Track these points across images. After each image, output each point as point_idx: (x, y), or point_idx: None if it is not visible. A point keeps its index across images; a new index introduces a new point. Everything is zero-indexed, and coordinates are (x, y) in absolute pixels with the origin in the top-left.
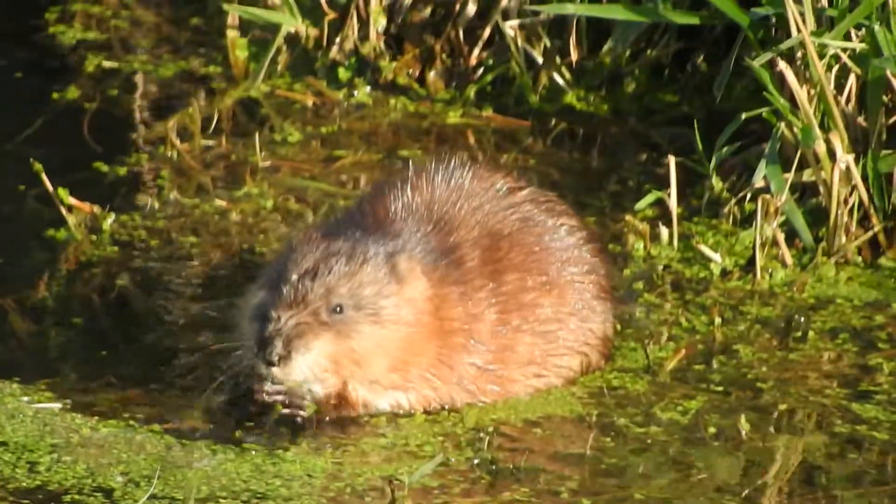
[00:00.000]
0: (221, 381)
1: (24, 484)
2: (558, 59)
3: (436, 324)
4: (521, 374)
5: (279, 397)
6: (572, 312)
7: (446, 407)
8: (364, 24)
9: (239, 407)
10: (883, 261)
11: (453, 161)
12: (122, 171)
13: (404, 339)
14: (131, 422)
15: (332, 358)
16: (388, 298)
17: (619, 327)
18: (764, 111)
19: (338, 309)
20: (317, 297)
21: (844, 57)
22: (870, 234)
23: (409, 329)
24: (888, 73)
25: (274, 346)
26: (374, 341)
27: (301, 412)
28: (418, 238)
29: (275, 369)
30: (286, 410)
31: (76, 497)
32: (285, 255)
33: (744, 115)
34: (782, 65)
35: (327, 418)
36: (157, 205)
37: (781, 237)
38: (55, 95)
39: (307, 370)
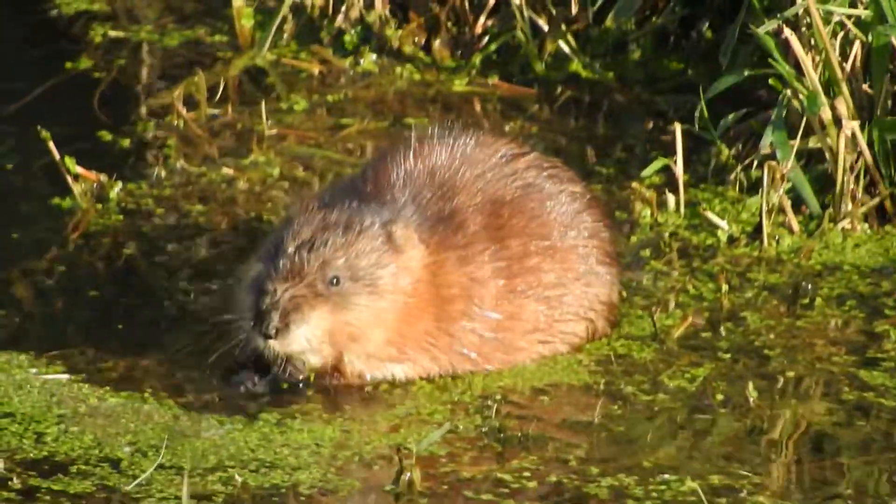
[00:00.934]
0: (220, 353)
1: (32, 455)
2: (564, 27)
3: (433, 291)
4: (525, 340)
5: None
6: (577, 278)
7: (447, 375)
8: None
9: (239, 375)
10: (889, 227)
11: (456, 128)
12: (129, 140)
13: (402, 309)
14: (139, 392)
15: (328, 330)
16: (386, 268)
17: (625, 294)
18: (768, 74)
19: (334, 280)
20: (313, 268)
21: (849, 24)
22: (876, 200)
23: (407, 298)
24: (893, 39)
25: (271, 319)
26: (372, 313)
27: (298, 377)
28: (415, 205)
29: (272, 342)
30: (282, 374)
31: (83, 467)
32: (283, 226)
33: (746, 73)
34: (787, 32)
35: (323, 387)
36: (163, 173)
37: (788, 204)
38: (68, 65)
39: (304, 342)
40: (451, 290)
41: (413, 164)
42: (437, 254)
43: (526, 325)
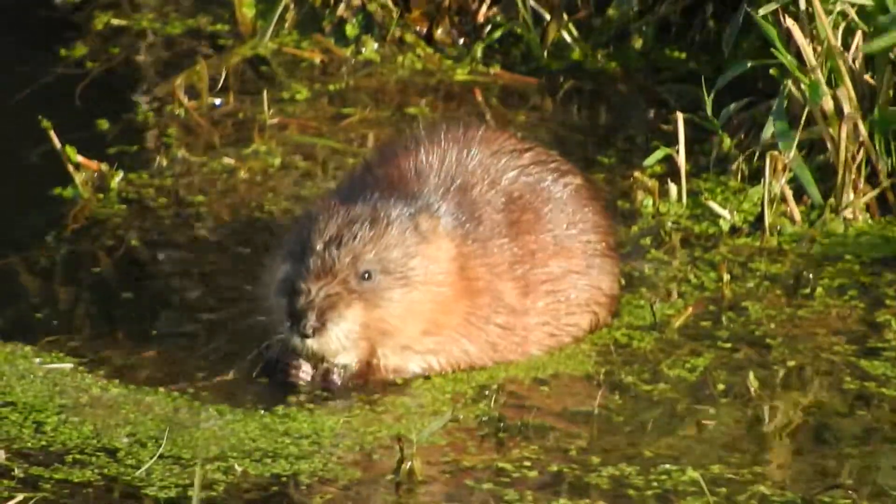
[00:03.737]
0: (260, 354)
1: (30, 444)
2: (566, 16)
3: (463, 283)
4: (538, 333)
5: (310, 376)
6: (582, 272)
7: (474, 366)
8: None
9: (270, 380)
10: (891, 217)
11: (461, 122)
12: (130, 129)
13: (435, 300)
14: (141, 382)
15: (364, 326)
16: (415, 259)
17: (623, 282)
18: (771, 64)
19: (366, 275)
20: (344, 265)
21: (852, 13)
22: (877, 190)
23: (439, 289)
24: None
25: (307, 319)
26: (406, 305)
27: (336, 384)
28: (438, 198)
29: (309, 341)
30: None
31: (78, 457)
32: (305, 225)
33: (749, 64)
34: (789, 21)
35: (352, 385)
36: (164, 163)
37: (790, 194)
38: (63, 53)
39: (343, 339)
40: (478, 283)
41: (425, 159)
42: (463, 246)
43: (539, 318)
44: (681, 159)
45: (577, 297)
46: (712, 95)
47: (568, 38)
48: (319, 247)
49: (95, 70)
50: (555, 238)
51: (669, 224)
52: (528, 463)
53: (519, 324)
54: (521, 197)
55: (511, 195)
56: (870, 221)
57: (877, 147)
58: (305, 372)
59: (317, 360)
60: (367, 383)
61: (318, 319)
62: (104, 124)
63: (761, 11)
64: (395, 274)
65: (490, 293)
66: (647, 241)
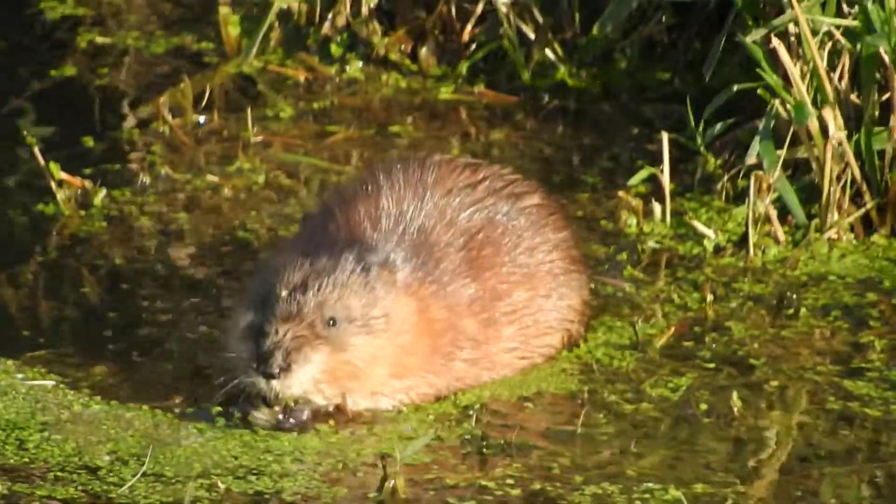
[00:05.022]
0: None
1: (11, 461)
2: (550, 36)
3: (424, 326)
4: (507, 359)
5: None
6: (548, 294)
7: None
8: None
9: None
10: (875, 238)
11: (415, 161)
12: (114, 146)
13: (398, 345)
14: (122, 399)
15: (330, 371)
16: (377, 308)
17: (593, 287)
18: (757, 86)
19: (331, 322)
20: (311, 310)
21: (837, 34)
22: (862, 211)
23: (401, 335)
24: (881, 49)
25: (274, 358)
26: (370, 351)
27: (302, 418)
28: (395, 244)
29: (274, 382)
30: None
31: (60, 474)
32: (268, 276)
33: (735, 87)
34: (775, 41)
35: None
36: (148, 180)
37: (774, 214)
38: (53, 73)
39: (307, 382)
40: (438, 325)
41: (383, 204)
42: (422, 291)
43: (507, 344)
44: (665, 179)
45: (546, 318)
46: (695, 114)
47: (553, 58)
48: (285, 293)
49: (81, 88)
50: (517, 267)
51: (653, 244)
52: (510, 481)
53: (486, 353)
54: (480, 231)
55: (469, 232)
56: (854, 242)
57: (862, 167)
58: (263, 416)
59: (279, 403)
60: (341, 420)
61: (284, 360)
62: (89, 142)
63: (749, 38)
64: (358, 322)
65: (452, 331)
66: (624, 256)
